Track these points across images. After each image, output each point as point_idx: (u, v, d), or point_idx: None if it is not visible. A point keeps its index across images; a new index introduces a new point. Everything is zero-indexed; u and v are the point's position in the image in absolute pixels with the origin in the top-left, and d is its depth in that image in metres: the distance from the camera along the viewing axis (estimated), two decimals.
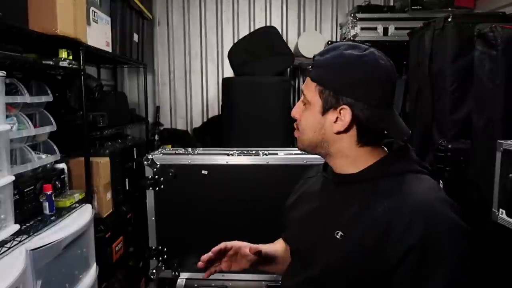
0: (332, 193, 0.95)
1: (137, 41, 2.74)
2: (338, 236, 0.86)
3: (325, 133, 0.89)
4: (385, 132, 0.90)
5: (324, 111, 0.88)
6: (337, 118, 0.87)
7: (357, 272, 0.82)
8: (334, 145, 0.90)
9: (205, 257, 1.04)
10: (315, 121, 0.89)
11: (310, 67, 0.91)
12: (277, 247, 1.16)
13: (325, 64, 0.88)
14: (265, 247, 1.10)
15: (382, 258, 0.78)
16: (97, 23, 1.95)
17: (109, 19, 2.13)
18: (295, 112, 0.95)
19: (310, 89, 0.89)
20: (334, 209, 0.92)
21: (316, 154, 0.96)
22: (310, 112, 0.90)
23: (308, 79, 0.91)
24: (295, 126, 0.97)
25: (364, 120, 0.85)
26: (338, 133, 0.88)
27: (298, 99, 3.34)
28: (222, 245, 1.05)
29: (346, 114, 0.85)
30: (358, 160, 0.90)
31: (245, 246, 1.06)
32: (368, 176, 0.88)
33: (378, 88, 0.85)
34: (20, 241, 1.21)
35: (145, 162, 1.67)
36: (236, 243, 1.07)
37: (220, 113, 3.33)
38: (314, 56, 0.92)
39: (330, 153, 0.92)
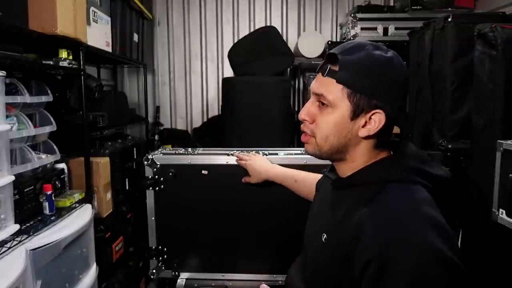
0: (329, 196, 0.95)
1: (137, 41, 2.74)
2: (323, 239, 0.87)
3: (351, 138, 0.85)
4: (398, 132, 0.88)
5: (355, 115, 0.83)
6: (365, 122, 0.84)
7: (332, 278, 0.82)
8: (353, 150, 0.87)
9: None
10: (341, 125, 0.84)
11: (329, 66, 0.85)
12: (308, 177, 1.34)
13: (355, 65, 0.82)
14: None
15: (350, 267, 0.76)
16: (97, 23, 1.95)
17: (109, 19, 2.13)
18: (307, 114, 0.88)
19: (333, 91, 0.83)
20: (326, 213, 0.92)
21: (329, 160, 0.92)
22: (333, 116, 0.84)
23: (325, 79, 0.85)
24: (304, 130, 0.90)
25: (389, 123, 0.84)
26: (365, 137, 0.85)
27: (298, 99, 3.38)
28: None
29: (379, 118, 0.82)
30: (354, 161, 0.89)
31: None
32: (359, 181, 0.86)
33: (403, 90, 0.86)
34: (20, 241, 1.21)
35: (145, 162, 1.67)
36: None
37: (220, 113, 3.33)
38: (334, 54, 0.84)
39: (345, 158, 0.89)
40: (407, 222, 0.73)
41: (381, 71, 0.82)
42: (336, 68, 0.83)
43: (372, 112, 0.82)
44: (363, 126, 0.84)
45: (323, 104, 0.85)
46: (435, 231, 0.71)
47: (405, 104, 0.88)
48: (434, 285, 0.69)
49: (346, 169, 0.90)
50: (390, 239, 0.72)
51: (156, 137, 3.34)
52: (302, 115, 0.88)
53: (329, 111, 0.84)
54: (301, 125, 0.91)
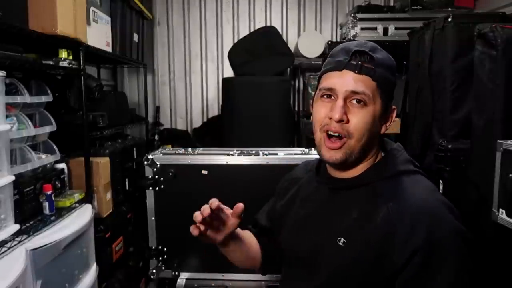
0: (329, 199, 0.92)
1: (137, 41, 2.74)
2: (340, 243, 0.85)
3: (375, 136, 0.87)
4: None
5: (384, 112, 0.87)
6: (385, 119, 0.89)
7: (362, 279, 0.81)
8: (369, 149, 0.88)
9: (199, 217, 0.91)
10: (374, 123, 0.84)
11: (360, 63, 0.82)
12: (247, 234, 1.08)
13: (385, 64, 0.85)
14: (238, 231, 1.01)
15: (386, 263, 0.77)
16: (97, 23, 1.95)
17: (109, 19, 2.13)
18: (344, 114, 0.82)
19: (370, 88, 0.82)
20: (334, 216, 0.89)
21: (349, 162, 0.87)
22: (369, 114, 0.83)
23: (360, 77, 0.82)
24: (339, 132, 0.83)
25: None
26: (383, 133, 0.89)
27: (298, 99, 3.38)
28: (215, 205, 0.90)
29: (393, 115, 0.89)
30: (364, 162, 0.89)
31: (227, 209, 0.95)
32: (365, 181, 0.88)
33: None
34: (20, 241, 1.21)
35: (145, 162, 1.67)
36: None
37: (220, 113, 3.33)
38: (366, 52, 0.82)
39: (361, 159, 0.88)
40: (437, 210, 0.79)
41: (395, 70, 0.88)
42: (371, 66, 0.83)
43: (392, 108, 0.89)
44: (384, 123, 0.88)
45: (359, 102, 0.82)
46: (454, 213, 0.80)
47: None
48: (468, 261, 0.79)
49: (352, 170, 0.90)
50: (429, 227, 0.76)
51: (156, 137, 3.34)
52: (338, 115, 0.81)
53: (366, 110, 0.83)
54: (332, 127, 0.83)
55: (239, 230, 1.02)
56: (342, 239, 0.85)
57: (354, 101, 0.83)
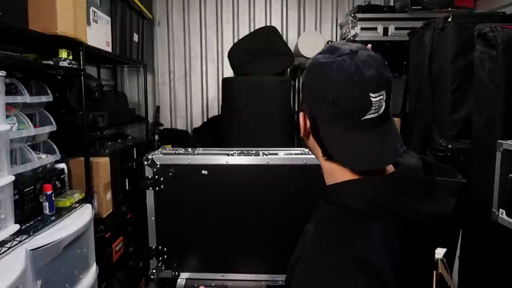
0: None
1: (137, 41, 2.74)
2: (295, 251, 0.81)
3: (302, 134, 0.83)
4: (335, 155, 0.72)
5: (297, 111, 0.83)
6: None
7: None
8: (311, 150, 0.82)
9: None
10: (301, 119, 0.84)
11: None
12: None
13: (307, 67, 0.80)
14: None
15: None
16: (97, 23, 1.95)
17: (109, 19, 2.13)
18: None
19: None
20: (310, 222, 0.86)
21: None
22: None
23: None
24: None
25: (317, 133, 0.73)
26: (315, 143, 0.77)
27: (298, 99, 3.37)
28: None
29: (301, 119, 0.77)
30: (328, 175, 0.77)
31: None
32: (322, 198, 0.79)
33: (327, 103, 0.68)
34: (20, 241, 1.21)
35: (145, 162, 1.67)
36: None
37: (220, 113, 3.34)
38: None
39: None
40: (332, 268, 0.63)
41: (308, 73, 0.74)
42: None
43: (301, 111, 0.78)
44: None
45: None
46: (363, 278, 0.61)
47: (342, 121, 0.69)
48: None
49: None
50: (307, 284, 0.65)
51: (156, 137, 3.34)
52: None
53: None
54: None
55: None
56: (296, 248, 0.81)
57: None
